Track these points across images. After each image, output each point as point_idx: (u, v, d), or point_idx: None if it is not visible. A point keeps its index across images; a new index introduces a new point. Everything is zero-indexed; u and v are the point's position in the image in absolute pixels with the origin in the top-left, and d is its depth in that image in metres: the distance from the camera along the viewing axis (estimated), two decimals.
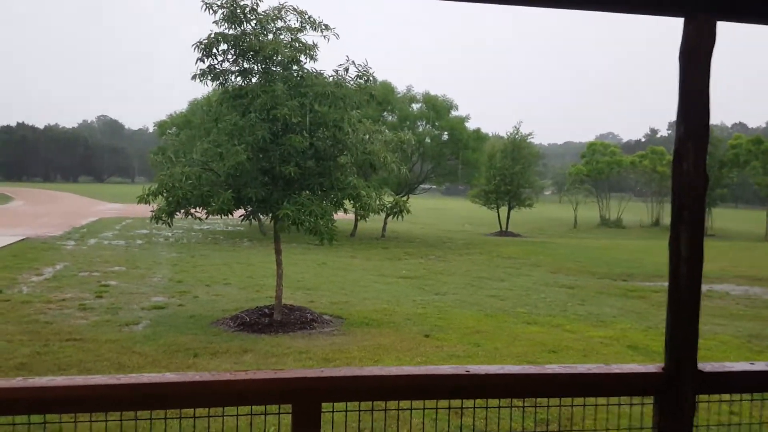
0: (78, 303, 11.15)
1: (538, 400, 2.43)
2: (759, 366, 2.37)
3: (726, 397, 2.40)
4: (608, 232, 40.67)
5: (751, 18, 2.20)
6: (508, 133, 35.47)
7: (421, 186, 32.34)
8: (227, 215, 9.49)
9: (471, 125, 30.42)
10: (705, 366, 2.23)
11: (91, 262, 16.63)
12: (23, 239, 21.29)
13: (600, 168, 47.10)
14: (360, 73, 9.99)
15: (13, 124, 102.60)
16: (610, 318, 11.38)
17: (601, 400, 2.38)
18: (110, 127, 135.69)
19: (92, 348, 8.22)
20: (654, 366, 2.29)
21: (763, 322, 11.44)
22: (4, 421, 2.07)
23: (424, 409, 2.34)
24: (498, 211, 35.21)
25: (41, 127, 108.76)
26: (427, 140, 28.93)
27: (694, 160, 2.16)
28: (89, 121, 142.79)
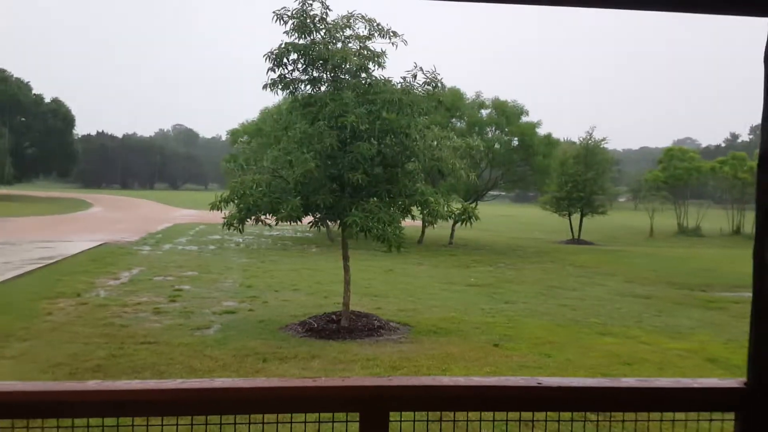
0: (152, 307, 11.55)
1: (614, 414, 2.34)
2: None
3: None
4: (686, 241, 39.07)
5: None
6: (581, 139, 34.64)
7: (490, 193, 31.97)
8: (296, 222, 9.64)
9: (542, 130, 29.92)
10: None
11: (166, 266, 17.22)
12: (101, 244, 22.27)
13: (678, 174, 45.31)
14: (428, 80, 9.99)
15: (93, 132, 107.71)
16: (687, 330, 10.91)
17: (679, 415, 2.27)
18: (185, 135, 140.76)
19: (165, 351, 8.48)
20: (736, 381, 2.17)
21: None
22: (79, 424, 2.14)
23: (493, 420, 2.28)
24: (570, 219, 34.40)
25: (120, 135, 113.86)
26: (497, 146, 28.60)
27: None
28: (165, 130, 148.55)
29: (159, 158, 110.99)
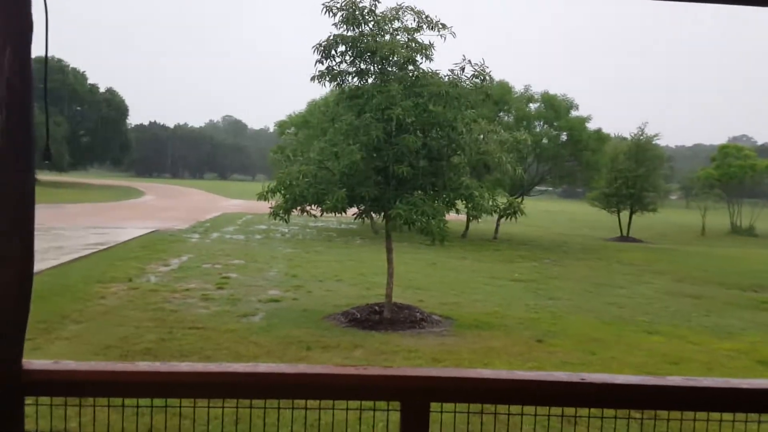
0: (201, 293, 11.80)
1: (659, 413, 2.30)
2: None
3: None
4: (739, 241, 37.84)
5: None
6: (632, 134, 33.85)
7: (537, 188, 31.55)
8: (341, 213, 9.72)
9: (592, 125, 29.33)
10: None
11: (214, 254, 17.55)
12: (152, 231, 22.85)
13: (732, 172, 43.87)
14: (476, 73, 9.92)
15: (146, 123, 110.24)
16: (738, 330, 10.62)
17: (727, 416, 2.22)
18: (234, 126, 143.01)
19: (212, 336, 8.68)
20: None
21: None
22: (129, 403, 2.21)
23: (535, 415, 2.28)
24: (619, 215, 33.70)
25: (171, 125, 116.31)
26: (544, 141, 28.19)
27: None
28: (215, 121, 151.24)
29: (209, 148, 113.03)
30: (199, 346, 8.15)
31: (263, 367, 2.20)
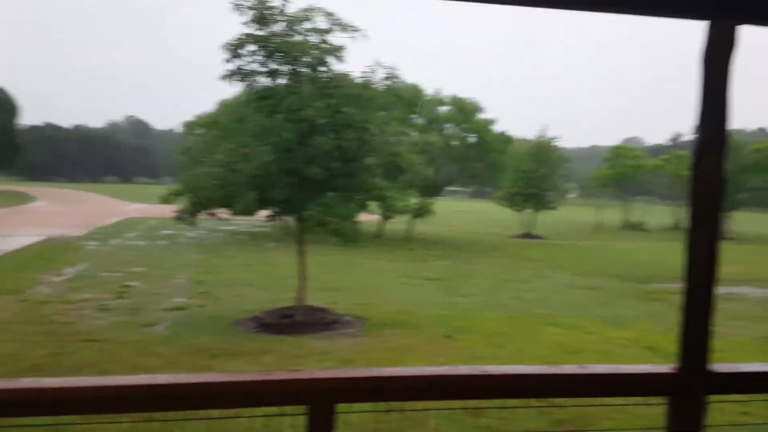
0: (98, 304, 11.26)
1: (555, 400, 2.43)
2: None
3: (739, 398, 2.39)
4: (631, 235, 40.12)
5: None
6: (534, 137, 35.30)
7: (448, 188, 32.24)
8: (251, 216, 9.58)
9: (497, 128, 30.32)
10: (718, 367, 2.23)
11: (113, 262, 16.79)
12: (46, 239, 21.50)
13: (624, 172, 46.58)
14: (387, 75, 10.04)
15: (41, 123, 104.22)
16: (630, 320, 11.32)
17: (617, 401, 2.37)
18: (138, 127, 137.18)
19: (110, 349, 8.31)
20: (667, 366, 2.29)
21: None
22: (9, 423, 2.08)
23: (440, 409, 2.35)
24: (523, 214, 35.03)
25: (68, 127, 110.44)
26: (454, 142, 28.87)
27: (712, 165, 2.17)
28: (117, 122, 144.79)
29: (110, 150, 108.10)
30: (94, 360, 7.77)
31: (162, 378, 2.13)
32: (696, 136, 2.29)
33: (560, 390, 2.34)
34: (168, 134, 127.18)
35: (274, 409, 2.18)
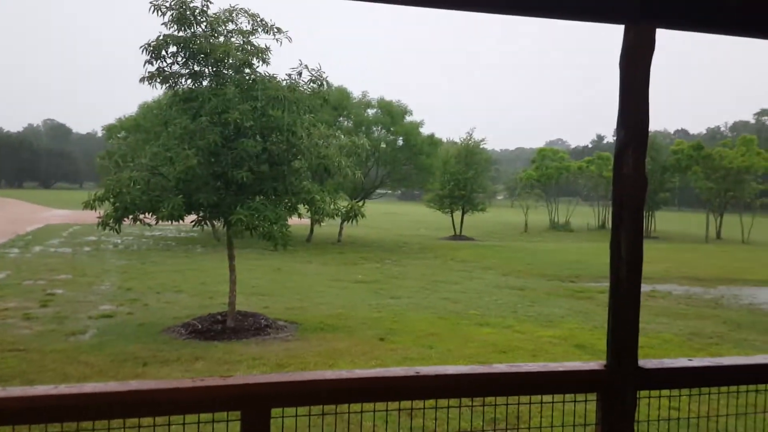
0: (22, 312, 10.79)
1: (488, 399, 2.46)
2: (697, 362, 2.46)
3: (666, 392, 2.48)
4: (557, 236, 41.47)
5: (690, 26, 2.28)
6: (462, 139, 35.91)
7: (377, 191, 32.40)
8: (178, 221, 9.33)
9: (425, 131, 30.70)
10: (646, 363, 2.30)
11: (36, 270, 16.10)
12: None
13: (549, 173, 48.11)
14: (313, 77, 9.99)
15: None
16: (558, 318, 11.63)
17: (547, 398, 2.43)
18: (57, 131, 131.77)
19: (36, 358, 7.96)
20: (596, 363, 2.36)
21: (704, 320, 11.86)
22: None
23: (374, 411, 2.34)
24: (452, 216, 35.56)
25: None
26: (383, 145, 29.04)
27: (633, 164, 2.24)
28: (35, 125, 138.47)
29: (28, 155, 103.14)
30: (20, 369, 7.44)
31: (90, 387, 2.05)
32: (617, 137, 2.36)
33: (492, 389, 2.37)
34: (89, 138, 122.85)
35: (206, 416, 2.12)
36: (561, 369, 2.40)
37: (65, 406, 1.96)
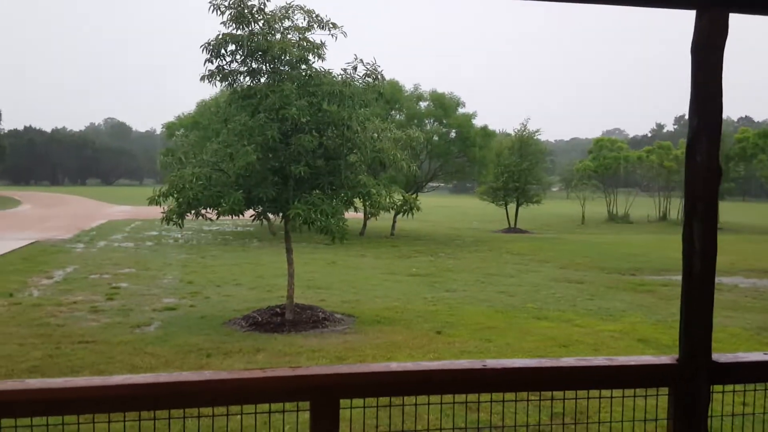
0: (89, 305, 11.22)
1: (554, 393, 2.44)
2: None
3: (740, 387, 2.42)
4: (616, 228, 40.49)
5: (763, 10, 2.21)
6: (516, 130, 35.42)
7: (430, 184, 32.30)
8: (238, 215, 9.55)
9: (478, 122, 30.39)
10: (719, 357, 2.25)
11: (101, 264, 16.72)
12: (33, 243, 21.40)
13: (607, 163, 46.92)
14: (368, 71, 10.03)
15: (21, 127, 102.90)
16: (619, 312, 11.38)
17: (616, 393, 2.39)
18: (117, 129, 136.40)
19: (104, 350, 8.27)
20: (668, 357, 2.31)
21: None
22: (22, 424, 2.08)
23: (441, 404, 2.35)
24: (506, 208, 35.16)
25: (48, 130, 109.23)
26: (435, 138, 28.90)
27: (707, 153, 2.18)
28: (96, 124, 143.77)
29: (90, 153, 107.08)
30: (90, 361, 7.75)
31: (165, 376, 2.13)
32: (690, 125, 2.30)
33: (560, 383, 2.35)
34: (148, 136, 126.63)
35: (276, 406, 2.18)
36: (631, 363, 2.36)
37: (142, 396, 2.04)
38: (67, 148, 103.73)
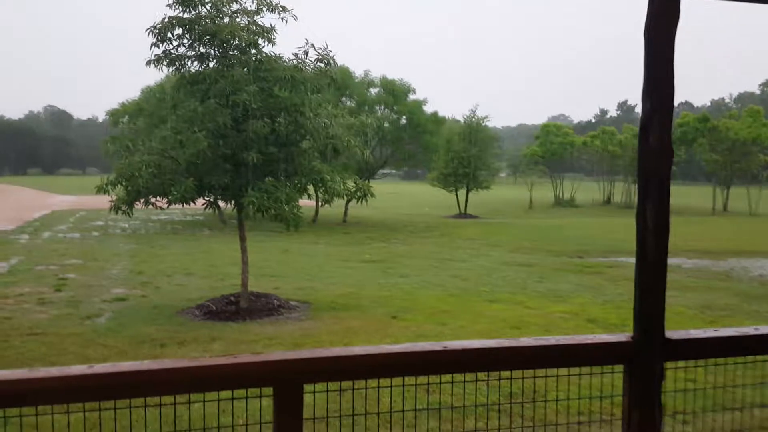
0: (36, 297, 10.88)
1: (513, 373, 2.48)
2: (723, 332, 2.48)
3: (692, 363, 2.51)
4: (562, 212, 41.46)
5: None
6: (465, 117, 35.73)
7: (381, 171, 32.37)
8: (189, 204, 9.37)
9: (428, 109, 30.54)
10: (672, 334, 2.32)
11: (47, 255, 16.22)
12: None
13: (553, 149, 47.92)
14: (320, 57, 9.93)
15: None
16: (568, 293, 11.67)
17: (573, 371, 2.45)
18: (58, 117, 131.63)
19: (55, 342, 8.05)
20: (623, 335, 2.37)
21: (714, 293, 11.89)
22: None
23: (403, 385, 2.37)
24: (456, 194, 35.52)
25: None
26: (386, 125, 28.94)
27: (659, 134, 2.24)
28: (36, 112, 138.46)
29: (30, 142, 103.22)
30: (41, 353, 7.53)
31: (126, 365, 2.08)
32: (642, 107, 2.35)
33: (520, 362, 2.39)
34: (90, 123, 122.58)
35: (240, 392, 2.16)
36: (588, 341, 2.41)
37: (101, 386, 1.99)
38: (6, 137, 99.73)
